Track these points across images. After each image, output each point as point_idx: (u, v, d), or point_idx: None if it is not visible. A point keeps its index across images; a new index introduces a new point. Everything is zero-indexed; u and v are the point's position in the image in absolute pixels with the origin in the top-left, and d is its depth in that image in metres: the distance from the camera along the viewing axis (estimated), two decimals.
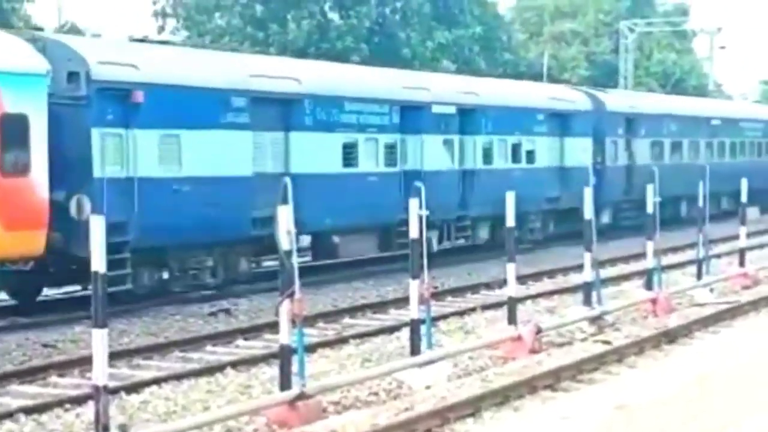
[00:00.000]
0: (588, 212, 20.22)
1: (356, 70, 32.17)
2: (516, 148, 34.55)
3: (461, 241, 32.22)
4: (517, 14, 76.16)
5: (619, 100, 42.69)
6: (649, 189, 22.41)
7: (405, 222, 27.13)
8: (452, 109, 31.33)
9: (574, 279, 25.90)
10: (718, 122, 48.23)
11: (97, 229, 10.84)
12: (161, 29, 52.17)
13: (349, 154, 27.78)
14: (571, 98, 38.76)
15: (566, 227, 36.64)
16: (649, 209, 22.42)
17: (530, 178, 34.15)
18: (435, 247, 29.20)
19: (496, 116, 33.27)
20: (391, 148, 29.25)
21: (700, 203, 25.19)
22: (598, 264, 20.80)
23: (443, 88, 32.15)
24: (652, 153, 42.61)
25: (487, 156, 32.89)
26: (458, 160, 31.77)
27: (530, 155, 35.22)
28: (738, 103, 60.40)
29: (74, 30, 46.08)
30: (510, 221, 18.21)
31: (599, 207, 35.48)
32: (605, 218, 38.86)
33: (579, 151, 37.57)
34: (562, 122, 37.15)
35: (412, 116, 29.76)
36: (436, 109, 30.63)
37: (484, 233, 33.01)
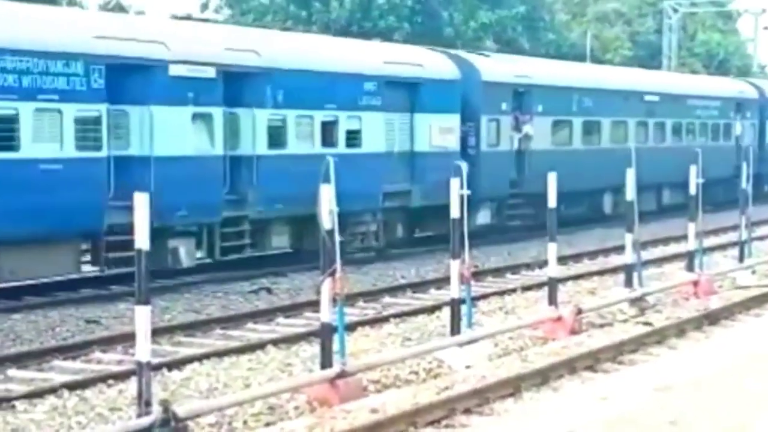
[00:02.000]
0: (630, 193, 20.14)
1: (12, 8, 21.30)
2: (329, 127, 25.91)
3: (244, 253, 24.76)
4: None
5: (502, 67, 33.07)
6: (692, 169, 22.25)
7: (121, 229, 19.80)
8: (209, 72, 22.84)
9: (615, 260, 25.84)
10: (654, 98, 39.59)
11: (142, 206, 10.93)
12: (204, 7, 52.26)
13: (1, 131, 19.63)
14: (422, 62, 29.57)
15: (426, 228, 30.13)
16: (692, 190, 22.28)
17: (355, 168, 24.73)
18: (185, 261, 22.82)
19: (292, 83, 24.68)
20: (91, 124, 20.78)
21: (743, 185, 25.02)
22: (640, 245, 20.74)
23: (193, 42, 23.30)
24: (556, 135, 34.17)
25: (277, 137, 24.50)
26: (224, 143, 23.28)
27: (354, 137, 26.55)
28: (687, 77, 50.79)
29: (119, 8, 46.27)
30: (552, 202, 18.11)
31: (472, 204, 30.54)
32: (482, 218, 30.60)
33: (437, 133, 29.21)
34: (410, 94, 28.55)
35: (131, 79, 21.54)
36: (176, 70, 22.24)
37: (281, 240, 25.50)
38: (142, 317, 11.01)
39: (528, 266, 26.01)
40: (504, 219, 32.00)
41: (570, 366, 15.04)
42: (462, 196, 16.14)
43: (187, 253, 22.71)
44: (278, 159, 24.30)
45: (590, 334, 17.47)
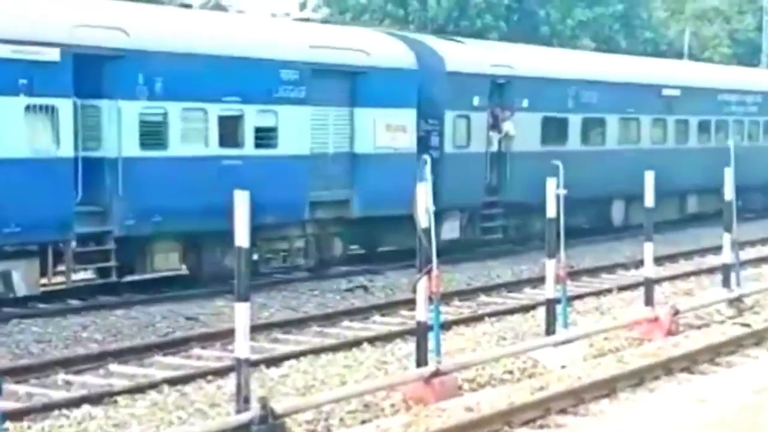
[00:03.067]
0: (729, 193, 19.95)
1: None
2: (230, 123, 21.64)
3: (110, 277, 20.83)
4: None
5: (475, 55, 28.34)
6: None
7: None
8: (51, 54, 18.56)
9: (711, 261, 25.59)
10: (675, 92, 34.22)
11: (242, 204, 11.09)
12: (303, 6, 52.56)
13: None
14: (366, 48, 24.76)
15: (383, 242, 26.09)
16: None
17: (267, 173, 21.67)
18: (20, 289, 18.73)
19: (176, 70, 20.51)
20: None
21: None
22: (738, 245, 20.54)
23: (26, 17, 18.86)
24: (547, 135, 29.28)
25: (154, 136, 20.35)
26: (75, 143, 19.15)
27: (267, 136, 22.23)
28: (717, 68, 44.39)
29: (219, 7, 46.77)
30: (649, 201, 17.97)
31: (436, 215, 26.30)
32: (449, 231, 26.27)
33: (384, 131, 24.71)
34: (349, 85, 24.18)
35: None
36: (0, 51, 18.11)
37: (168, 260, 21.31)
38: (241, 314, 11.17)
39: (623, 266, 25.87)
40: (477, 232, 27.65)
41: (666, 367, 14.97)
42: (558, 196, 16.08)
43: (23, 278, 18.69)
44: (155, 162, 20.24)
45: (687, 335, 17.36)
